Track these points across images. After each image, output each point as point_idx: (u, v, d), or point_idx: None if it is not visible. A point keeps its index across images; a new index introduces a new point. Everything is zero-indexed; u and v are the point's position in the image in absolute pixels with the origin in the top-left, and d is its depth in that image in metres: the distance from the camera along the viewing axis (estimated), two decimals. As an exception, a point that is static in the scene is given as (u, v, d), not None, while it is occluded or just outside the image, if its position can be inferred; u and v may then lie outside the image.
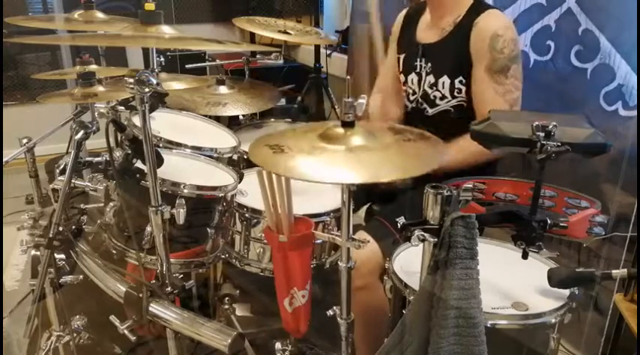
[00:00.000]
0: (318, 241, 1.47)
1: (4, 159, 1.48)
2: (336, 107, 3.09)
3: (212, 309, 1.79)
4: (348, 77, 1.04)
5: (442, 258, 0.94)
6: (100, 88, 1.58)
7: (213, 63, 3.24)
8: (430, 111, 1.62)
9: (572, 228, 1.03)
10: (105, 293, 1.23)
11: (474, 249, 0.94)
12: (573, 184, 1.21)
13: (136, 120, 1.44)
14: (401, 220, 1.45)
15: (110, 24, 1.85)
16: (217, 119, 1.92)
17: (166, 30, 1.37)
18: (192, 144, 1.54)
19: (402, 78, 1.72)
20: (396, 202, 1.60)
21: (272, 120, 2.24)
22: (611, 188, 1.45)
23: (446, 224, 0.93)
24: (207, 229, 1.44)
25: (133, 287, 1.12)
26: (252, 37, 3.38)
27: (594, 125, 1.02)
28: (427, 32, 1.66)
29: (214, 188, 1.39)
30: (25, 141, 1.49)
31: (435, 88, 1.59)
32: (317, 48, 3.16)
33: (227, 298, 1.75)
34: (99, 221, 1.48)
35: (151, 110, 1.03)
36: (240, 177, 1.50)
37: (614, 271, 1.07)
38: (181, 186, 1.32)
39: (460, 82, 1.53)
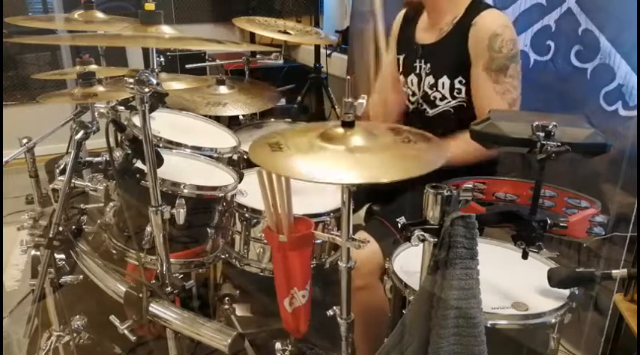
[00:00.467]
0: (318, 241, 1.47)
1: (4, 159, 1.48)
2: (336, 107, 3.09)
3: (212, 309, 1.79)
4: (348, 77, 1.04)
5: (442, 257, 0.94)
6: (100, 88, 1.58)
7: (213, 63, 3.24)
8: (431, 111, 1.62)
9: (572, 228, 1.03)
10: (105, 293, 1.23)
11: (474, 249, 0.94)
12: (573, 184, 1.21)
13: (136, 120, 1.44)
14: (401, 220, 1.45)
15: (110, 24, 1.85)
16: (217, 119, 1.92)
17: (166, 30, 1.37)
18: (192, 144, 1.54)
19: (402, 79, 1.72)
20: (396, 202, 1.60)
21: (272, 120, 2.24)
22: (611, 188, 1.45)
23: (446, 224, 0.93)
24: (207, 229, 1.44)
25: (133, 287, 1.12)
26: (252, 37, 3.38)
27: (594, 125, 1.02)
28: (426, 33, 1.66)
29: (214, 188, 1.39)
30: (25, 141, 1.49)
31: (435, 89, 1.59)
32: (317, 48, 3.16)
33: (227, 298, 1.75)
34: (99, 221, 1.48)
35: (151, 110, 1.03)
36: (240, 177, 1.50)
37: (614, 271, 1.07)
38: (181, 186, 1.32)
39: (460, 82, 1.53)
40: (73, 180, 1.30)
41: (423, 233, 0.95)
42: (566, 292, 1.11)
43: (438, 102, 1.59)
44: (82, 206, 1.52)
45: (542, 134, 0.95)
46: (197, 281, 1.58)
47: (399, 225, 0.99)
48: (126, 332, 1.10)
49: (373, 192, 1.71)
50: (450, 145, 1.42)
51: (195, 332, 1.05)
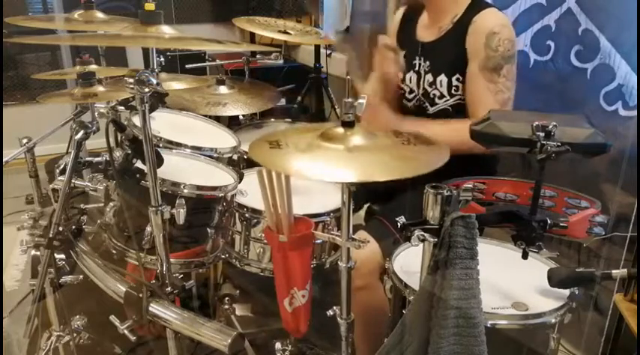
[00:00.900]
0: (318, 241, 1.47)
1: (4, 159, 1.48)
2: (336, 107, 3.09)
3: (212, 309, 1.79)
4: (348, 77, 1.04)
5: (442, 257, 0.94)
6: (100, 88, 1.58)
7: (213, 63, 3.24)
8: (431, 109, 1.62)
9: (572, 228, 1.03)
10: (105, 293, 1.23)
11: (474, 249, 0.94)
12: (573, 184, 1.21)
13: (136, 120, 1.44)
14: (401, 219, 1.45)
15: (110, 24, 1.85)
16: (217, 119, 1.92)
17: (166, 30, 1.37)
18: (192, 144, 1.54)
19: (401, 75, 1.71)
20: (396, 202, 1.60)
21: (272, 120, 2.24)
22: (611, 188, 1.45)
23: (446, 224, 0.93)
24: (207, 229, 1.44)
25: (133, 287, 1.12)
26: (252, 37, 3.38)
27: (594, 125, 1.02)
28: (426, 30, 1.66)
29: (214, 188, 1.39)
30: (25, 141, 1.49)
31: (434, 87, 1.59)
32: (317, 48, 3.16)
33: (227, 298, 1.75)
34: (99, 221, 1.48)
35: (151, 110, 1.03)
36: (240, 177, 1.50)
37: (614, 271, 1.07)
38: (181, 186, 1.32)
39: (457, 79, 1.53)
40: (73, 180, 1.30)
41: (423, 233, 0.95)
42: (566, 292, 1.11)
43: (437, 100, 1.59)
44: (82, 206, 1.52)
45: (542, 134, 0.95)
46: (197, 281, 1.58)
47: (399, 225, 0.99)
48: (126, 332, 1.10)
49: (373, 191, 1.71)
50: (446, 132, 1.42)
51: (195, 332, 1.05)
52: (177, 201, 1.14)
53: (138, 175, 1.21)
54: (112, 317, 1.12)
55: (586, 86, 1.66)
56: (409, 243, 0.96)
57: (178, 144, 1.52)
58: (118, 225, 1.41)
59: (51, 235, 1.29)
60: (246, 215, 1.50)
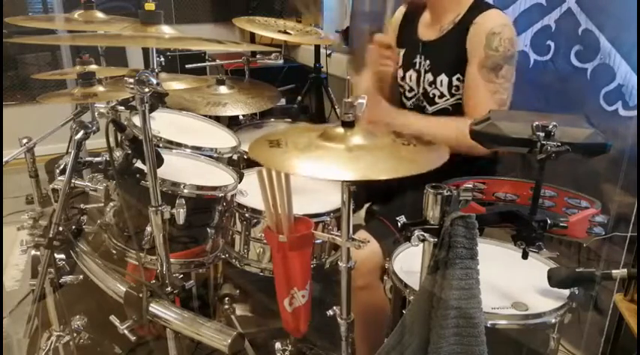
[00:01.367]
0: (318, 241, 1.47)
1: (4, 159, 1.48)
2: (336, 107, 3.09)
3: (212, 309, 1.79)
4: (348, 77, 1.04)
5: (442, 258, 0.94)
6: (100, 88, 1.58)
7: (213, 63, 3.24)
8: (430, 109, 1.62)
9: (572, 228, 1.03)
10: (105, 293, 1.23)
11: (474, 249, 0.94)
12: (573, 184, 1.21)
13: (136, 120, 1.44)
14: (401, 219, 1.45)
15: (110, 24, 1.85)
16: (217, 119, 1.92)
17: (166, 30, 1.37)
18: (192, 144, 1.54)
19: (401, 73, 1.72)
20: (396, 202, 1.60)
21: (272, 120, 2.24)
22: (611, 188, 1.45)
23: (446, 224, 0.93)
24: (207, 229, 1.44)
25: (133, 287, 1.12)
26: (252, 37, 3.38)
27: (594, 125, 1.02)
28: (427, 29, 1.66)
29: (214, 188, 1.39)
30: (25, 141, 1.49)
31: (433, 86, 1.59)
32: (317, 48, 3.16)
33: (227, 298, 1.75)
34: (99, 221, 1.48)
35: (151, 110, 1.03)
36: (240, 177, 1.50)
37: (614, 271, 1.07)
38: (181, 186, 1.32)
39: (458, 79, 1.53)
40: (73, 180, 1.30)
41: (423, 233, 0.95)
42: (566, 292, 1.11)
43: (437, 99, 1.60)
44: (82, 206, 1.52)
45: (542, 134, 0.95)
46: (197, 281, 1.58)
47: (399, 224, 0.99)
48: (126, 332, 1.10)
49: (373, 191, 1.71)
50: (442, 126, 1.43)
51: (195, 332, 1.05)
52: (177, 201, 1.14)
53: (138, 175, 1.21)
54: (112, 317, 1.12)
55: (586, 86, 1.66)
56: (409, 242, 0.96)
57: (178, 144, 1.52)
58: (118, 225, 1.41)
59: (51, 235, 1.29)
60: (246, 215, 1.50)
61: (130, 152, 1.16)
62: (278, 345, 1.41)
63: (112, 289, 1.21)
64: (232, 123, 2.18)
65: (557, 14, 1.73)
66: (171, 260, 1.21)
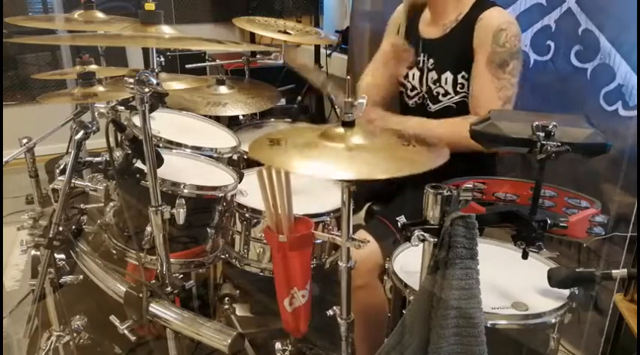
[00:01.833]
0: (318, 241, 1.47)
1: (4, 159, 1.48)
2: (336, 107, 3.09)
3: (212, 309, 1.79)
4: (348, 77, 1.04)
5: (442, 258, 0.94)
6: (100, 88, 1.58)
7: (213, 63, 3.23)
8: (433, 107, 1.62)
9: (572, 228, 1.03)
10: (105, 294, 1.23)
11: (473, 249, 0.94)
12: (573, 184, 1.21)
13: (136, 120, 1.44)
14: (401, 219, 1.45)
15: (110, 24, 1.85)
16: (217, 119, 1.91)
17: (166, 30, 1.37)
18: (192, 144, 1.54)
19: (403, 72, 1.72)
20: (396, 202, 1.60)
21: (272, 120, 2.24)
22: (611, 188, 1.45)
23: (446, 224, 0.93)
24: (207, 229, 1.44)
25: (133, 287, 1.12)
26: (252, 37, 3.38)
27: (594, 125, 1.02)
28: (429, 27, 1.66)
29: (214, 188, 1.39)
30: (25, 141, 1.49)
31: (438, 84, 1.59)
32: (317, 48, 3.16)
33: (227, 298, 1.75)
34: (99, 221, 1.48)
35: (151, 110, 1.03)
36: (240, 177, 1.50)
37: (614, 271, 1.07)
38: (181, 186, 1.31)
39: (463, 77, 1.54)
40: (73, 180, 1.30)
41: (423, 233, 0.95)
42: (566, 292, 1.11)
43: (441, 97, 1.60)
44: (82, 206, 1.52)
45: (542, 134, 0.95)
46: (197, 281, 1.57)
47: (399, 224, 0.99)
48: (126, 332, 1.10)
49: (373, 191, 1.71)
50: (440, 125, 1.44)
51: (195, 332, 1.05)
52: (177, 201, 1.14)
53: (138, 175, 1.21)
54: (112, 317, 1.12)
55: (586, 86, 1.66)
56: (409, 242, 0.96)
57: (178, 144, 1.52)
58: (118, 225, 1.41)
59: (51, 235, 1.29)
60: (246, 215, 1.50)
61: (130, 152, 1.16)
62: (278, 345, 1.41)
63: (112, 289, 1.21)
64: (232, 123, 2.18)
65: (557, 14, 1.73)
66: (171, 260, 1.21)
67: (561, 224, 1.01)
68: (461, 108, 1.56)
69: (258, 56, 3.21)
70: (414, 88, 1.68)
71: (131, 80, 0.97)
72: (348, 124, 1.04)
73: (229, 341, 1.00)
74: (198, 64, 2.72)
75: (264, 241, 1.47)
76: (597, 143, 1.00)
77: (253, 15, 2.27)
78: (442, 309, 0.94)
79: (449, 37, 1.58)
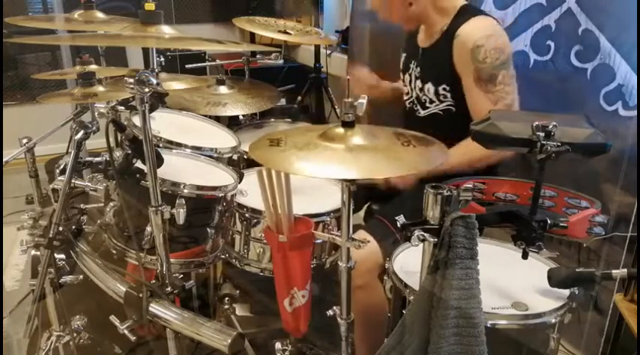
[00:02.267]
0: (318, 241, 1.47)
1: (4, 159, 1.48)
2: (336, 107, 3.09)
3: (212, 309, 1.79)
4: (348, 77, 1.04)
5: (442, 258, 0.94)
6: (100, 88, 1.58)
7: (213, 63, 3.24)
8: (422, 112, 1.65)
9: (572, 228, 1.03)
10: (105, 294, 1.23)
11: (474, 249, 0.94)
12: (573, 184, 1.21)
13: (136, 120, 1.44)
14: (400, 218, 1.46)
15: (110, 24, 1.85)
16: (217, 119, 1.92)
17: (166, 30, 1.37)
18: (192, 144, 1.54)
19: (401, 75, 1.77)
20: (396, 202, 1.60)
21: (272, 120, 2.23)
22: (611, 188, 1.45)
23: (446, 224, 0.93)
24: (207, 229, 1.44)
25: (133, 287, 1.12)
26: (252, 37, 3.38)
27: (594, 125, 1.02)
28: (422, 35, 1.69)
29: (214, 188, 1.39)
30: (25, 141, 1.49)
31: (422, 93, 1.63)
32: (317, 48, 3.16)
33: (227, 298, 1.75)
34: (99, 221, 1.48)
35: (151, 110, 1.03)
36: (240, 177, 1.50)
37: (614, 271, 1.07)
38: (181, 186, 1.31)
39: (444, 89, 1.56)
40: (73, 180, 1.30)
41: (423, 233, 0.95)
42: (566, 292, 1.11)
43: (427, 104, 1.62)
44: (82, 206, 1.52)
45: (542, 134, 0.95)
46: (197, 281, 1.57)
47: (398, 224, 0.99)
48: (126, 332, 1.10)
49: (373, 191, 1.71)
50: (454, 153, 1.44)
51: (195, 332, 1.05)
52: (177, 201, 1.14)
53: (138, 175, 1.21)
54: (112, 317, 1.12)
55: (586, 86, 1.66)
56: (409, 242, 0.96)
57: (178, 144, 1.52)
58: (118, 225, 1.41)
59: (51, 235, 1.29)
60: (246, 215, 1.50)
61: (130, 152, 1.16)
62: (278, 345, 1.41)
63: (112, 289, 1.21)
64: (232, 123, 2.18)
65: (558, 14, 1.73)
66: (171, 260, 1.21)
67: (561, 224, 1.01)
68: (447, 116, 1.58)
69: (258, 56, 3.21)
70: (408, 92, 1.72)
71: (131, 80, 0.97)
72: (348, 124, 1.04)
73: (229, 341, 1.00)
74: (198, 64, 2.72)
75: (264, 241, 1.47)
76: (597, 143, 1.00)
77: (253, 15, 2.27)
78: (442, 309, 0.94)
79: (432, 49, 1.60)
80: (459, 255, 0.93)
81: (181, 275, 1.21)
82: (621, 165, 1.34)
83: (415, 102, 1.67)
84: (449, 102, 1.56)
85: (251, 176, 1.56)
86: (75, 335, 1.52)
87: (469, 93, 1.50)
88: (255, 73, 2.48)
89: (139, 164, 1.16)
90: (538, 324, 1.05)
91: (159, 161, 1.09)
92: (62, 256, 1.35)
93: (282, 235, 1.23)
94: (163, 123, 1.60)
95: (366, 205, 1.79)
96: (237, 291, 1.78)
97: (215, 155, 1.58)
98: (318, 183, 1.64)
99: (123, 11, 3.51)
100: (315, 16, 3.40)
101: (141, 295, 1.09)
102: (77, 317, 1.57)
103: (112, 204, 1.42)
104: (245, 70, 2.36)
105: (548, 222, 1.00)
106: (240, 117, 2.18)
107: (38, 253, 1.39)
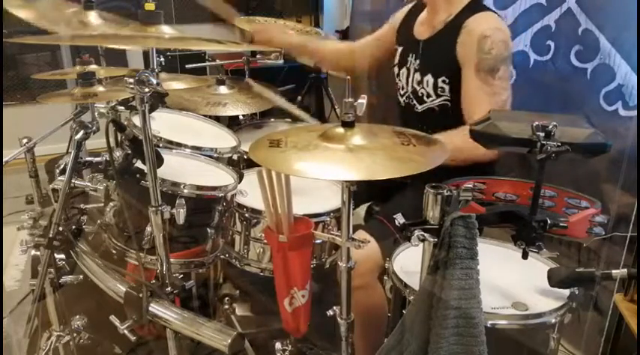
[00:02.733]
0: (318, 241, 1.47)
1: (4, 159, 1.48)
2: (336, 107, 3.09)
3: (212, 309, 1.79)
4: (348, 77, 1.04)
5: (442, 258, 0.94)
6: (100, 88, 1.58)
7: (213, 63, 3.23)
8: (419, 107, 1.64)
9: (572, 228, 1.03)
10: (105, 294, 1.23)
11: (474, 249, 0.94)
12: (573, 184, 1.21)
13: (136, 120, 1.44)
14: (398, 217, 1.45)
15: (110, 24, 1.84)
16: (217, 119, 1.92)
17: (166, 30, 1.37)
18: (192, 144, 1.54)
19: (396, 70, 1.74)
20: (396, 201, 1.60)
21: (272, 120, 2.24)
22: (611, 188, 1.45)
23: (446, 224, 0.93)
24: (207, 229, 1.44)
25: (133, 288, 1.12)
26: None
27: (594, 125, 1.02)
28: (421, 28, 1.67)
29: (214, 188, 1.39)
30: (25, 141, 1.49)
31: (421, 86, 1.61)
32: (317, 48, 3.15)
33: (227, 298, 1.75)
34: (99, 221, 1.48)
35: (151, 110, 1.03)
36: (240, 177, 1.50)
37: (614, 271, 1.07)
38: (181, 186, 1.31)
39: (443, 81, 1.54)
40: (73, 180, 1.30)
41: (423, 233, 0.95)
42: (566, 292, 1.11)
43: (425, 98, 1.61)
44: (82, 206, 1.52)
45: (542, 134, 0.95)
46: (197, 282, 1.57)
47: (396, 223, 0.99)
48: (126, 332, 1.10)
49: (373, 191, 1.71)
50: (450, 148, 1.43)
51: (195, 332, 1.05)
52: (177, 201, 1.14)
53: (138, 175, 1.21)
54: (112, 317, 1.12)
55: (586, 86, 1.66)
56: (409, 243, 0.96)
57: (178, 144, 1.52)
58: (118, 225, 1.41)
59: (51, 235, 1.29)
60: (246, 215, 1.50)
61: (129, 152, 1.16)
62: (278, 345, 1.41)
63: (111, 289, 1.21)
64: (232, 123, 2.18)
65: (557, 14, 1.73)
66: (171, 260, 1.21)
67: (561, 224, 1.01)
68: (443, 111, 1.57)
69: (258, 56, 3.21)
70: (403, 87, 1.70)
71: (131, 80, 0.97)
72: (348, 124, 1.04)
73: (229, 341, 1.00)
74: (198, 64, 2.72)
75: (264, 241, 1.47)
76: (597, 143, 0.99)
77: (253, 15, 2.27)
78: (442, 309, 0.94)
79: (434, 40, 1.58)
80: (459, 255, 0.93)
81: (181, 276, 1.21)
82: (621, 165, 1.34)
83: (411, 96, 1.66)
84: (445, 97, 1.55)
85: (251, 176, 1.56)
86: (75, 335, 1.51)
87: (466, 83, 1.49)
88: (255, 72, 2.48)
89: (138, 164, 1.16)
90: (538, 324, 1.05)
91: (159, 161, 1.09)
92: (62, 256, 1.35)
93: (282, 235, 1.23)
94: (163, 123, 1.60)
95: (366, 205, 1.78)
96: (237, 291, 1.78)
97: (215, 155, 1.58)
98: (318, 182, 1.64)
99: (123, 11, 3.51)
100: (315, 15, 3.40)
101: (141, 295, 1.09)
102: (77, 317, 1.57)
103: (112, 204, 1.42)
104: (245, 70, 2.36)
105: (548, 221, 1.00)
106: (240, 117, 2.18)
107: (38, 253, 1.39)
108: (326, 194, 1.58)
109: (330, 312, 1.17)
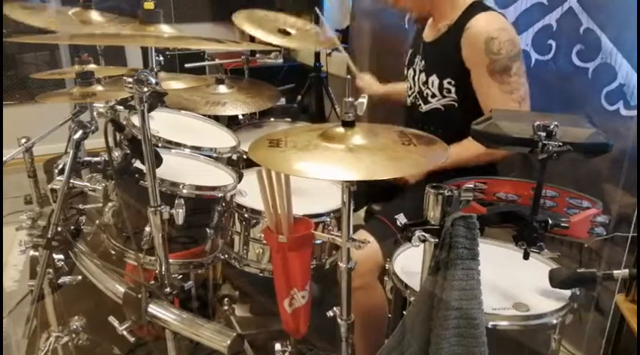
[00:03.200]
0: (318, 241, 1.47)
1: (3, 159, 1.48)
2: (336, 107, 3.09)
3: (211, 310, 1.78)
4: (348, 77, 1.04)
5: (443, 258, 0.93)
6: (99, 88, 1.57)
7: (213, 62, 3.22)
8: (424, 107, 1.65)
9: (573, 228, 1.02)
10: (104, 294, 1.22)
11: (475, 249, 0.93)
12: (575, 184, 1.20)
13: (135, 119, 1.43)
14: (399, 217, 1.46)
15: (109, 23, 1.83)
16: (217, 119, 1.91)
17: (165, 29, 1.36)
18: (191, 144, 1.53)
19: (405, 71, 1.78)
20: (396, 202, 1.60)
21: (272, 119, 2.23)
22: (612, 188, 1.44)
23: (447, 224, 0.93)
24: (207, 229, 1.44)
25: (132, 288, 1.12)
26: (252, 36, 3.37)
27: (596, 125, 1.01)
28: (428, 30, 1.70)
29: (214, 188, 1.38)
30: (23, 140, 1.48)
31: (426, 86, 1.62)
32: (317, 47, 3.15)
33: (226, 299, 1.75)
34: (97, 221, 1.47)
35: (150, 109, 1.03)
36: (240, 177, 1.50)
37: (615, 271, 1.07)
38: (180, 186, 1.31)
39: (449, 83, 1.55)
40: (71, 180, 1.29)
41: (423, 233, 0.95)
42: (568, 292, 1.11)
43: (430, 98, 1.62)
44: (80, 206, 1.52)
45: (543, 134, 0.94)
46: (196, 282, 1.57)
47: (398, 223, 0.99)
48: (125, 332, 1.10)
49: (373, 191, 1.70)
50: (457, 151, 1.45)
51: (194, 333, 1.05)
52: (176, 202, 1.14)
53: (137, 175, 1.20)
54: (111, 318, 1.11)
55: (587, 86, 1.65)
56: (410, 243, 0.96)
57: (177, 144, 1.51)
58: (117, 226, 1.41)
59: (49, 235, 1.29)
60: (246, 215, 1.49)
61: (128, 152, 1.15)
62: (278, 346, 1.41)
63: (110, 290, 1.21)
64: (232, 123, 2.17)
65: (559, 13, 1.73)
66: (170, 260, 1.20)
67: (562, 224, 1.01)
68: (449, 111, 1.57)
69: (257, 55, 3.21)
70: (410, 87, 1.72)
71: (130, 79, 0.97)
72: (348, 124, 1.03)
73: (228, 342, 0.99)
74: (198, 64, 2.72)
75: (264, 242, 1.46)
76: (599, 143, 0.99)
77: (252, 9, 2.26)
78: (443, 310, 0.94)
79: (439, 42, 1.60)
80: (460, 255, 0.92)
81: (180, 276, 1.21)
82: (623, 165, 1.34)
83: (417, 96, 1.67)
84: (452, 98, 1.56)
85: (251, 176, 1.56)
86: (74, 335, 1.51)
87: (481, 86, 1.49)
88: (255, 72, 2.48)
89: (137, 164, 1.15)
90: (539, 325, 1.04)
91: (158, 161, 1.09)
92: (61, 256, 1.35)
93: (281, 236, 1.23)
94: (162, 123, 1.60)
95: (367, 205, 1.78)
96: (237, 292, 1.78)
97: (214, 155, 1.58)
98: (318, 183, 1.63)
99: (121, 11, 3.50)
100: (315, 15, 3.39)
101: (140, 296, 1.08)
102: (76, 317, 1.56)
103: (110, 204, 1.42)
104: (244, 69, 2.36)
105: (550, 222, 0.99)
106: (240, 116, 2.17)
107: (37, 253, 1.38)
108: (326, 194, 1.57)
109: (330, 313, 1.17)
